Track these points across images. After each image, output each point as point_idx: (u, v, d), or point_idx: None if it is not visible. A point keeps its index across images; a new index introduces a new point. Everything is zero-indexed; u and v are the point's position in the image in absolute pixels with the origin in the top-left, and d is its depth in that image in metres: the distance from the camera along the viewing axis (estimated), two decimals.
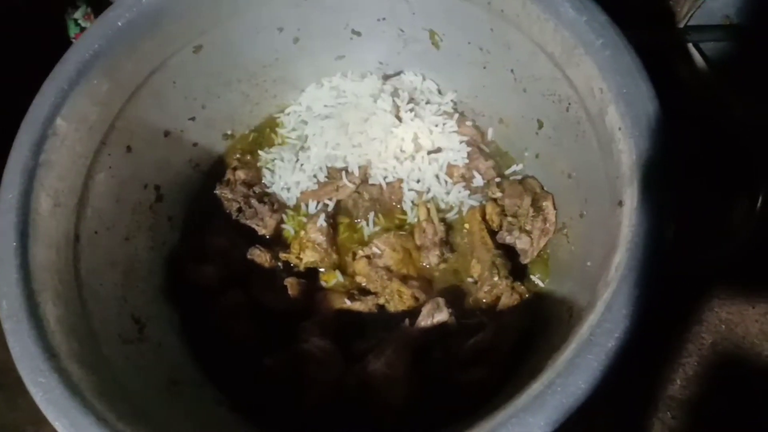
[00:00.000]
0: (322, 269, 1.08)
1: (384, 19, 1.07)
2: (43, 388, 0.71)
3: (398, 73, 1.13)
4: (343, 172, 1.10)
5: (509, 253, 1.03)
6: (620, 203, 0.75)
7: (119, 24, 0.91)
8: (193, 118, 1.09)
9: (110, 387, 0.77)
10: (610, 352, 0.65)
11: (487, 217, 1.05)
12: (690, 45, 1.14)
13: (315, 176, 1.10)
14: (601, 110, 0.80)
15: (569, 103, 0.90)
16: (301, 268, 1.07)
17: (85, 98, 0.89)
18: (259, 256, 1.06)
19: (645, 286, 0.67)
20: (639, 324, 0.66)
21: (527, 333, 0.96)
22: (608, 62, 0.79)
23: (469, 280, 1.04)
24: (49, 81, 0.88)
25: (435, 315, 0.96)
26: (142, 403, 0.79)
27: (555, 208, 1.02)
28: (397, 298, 1.01)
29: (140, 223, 1.02)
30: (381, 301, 1.02)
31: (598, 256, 0.79)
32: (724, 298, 1.01)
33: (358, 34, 1.10)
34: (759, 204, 1.00)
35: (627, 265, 0.69)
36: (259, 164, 1.15)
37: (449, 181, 1.09)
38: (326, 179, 1.11)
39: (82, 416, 0.70)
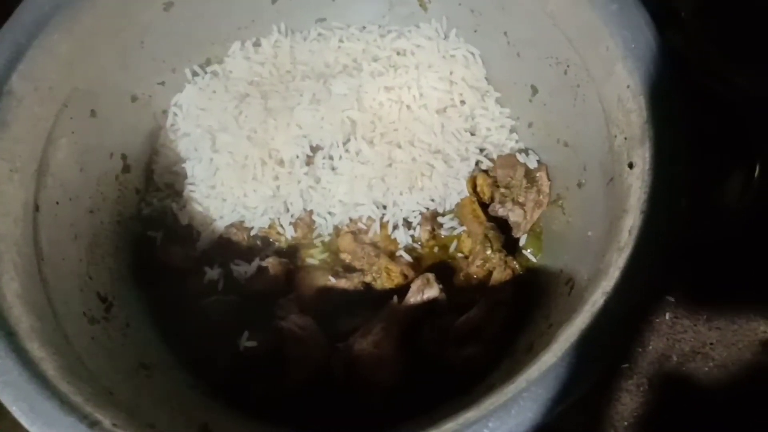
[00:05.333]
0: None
1: None
2: None
3: (383, 37, 1.06)
4: None
5: (501, 227, 0.99)
6: (630, 165, 0.70)
7: None
8: (162, 83, 1.01)
9: (75, 368, 0.69)
10: (627, 319, 0.61)
11: (479, 189, 1.00)
12: (683, 13, 1.10)
13: None
14: (607, 69, 0.76)
15: (568, 66, 0.86)
16: (283, 245, 1.01)
17: (44, 55, 0.82)
18: (236, 234, 0.99)
19: (663, 250, 0.63)
20: (656, 290, 0.62)
21: (521, 309, 0.91)
22: (615, 17, 0.74)
23: (460, 255, 0.99)
24: (3, 34, 0.80)
25: (425, 291, 0.91)
26: (111, 386, 0.72)
27: (549, 179, 0.97)
28: (384, 275, 0.96)
29: (106, 194, 0.95)
30: (368, 278, 0.96)
31: (603, 224, 0.75)
32: (721, 271, 0.98)
33: None
34: (756, 174, 0.97)
35: (642, 228, 0.64)
36: None
37: None
38: None
39: (45, 400, 0.63)
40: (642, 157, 0.69)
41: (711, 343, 0.96)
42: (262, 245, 1.00)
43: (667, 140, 0.67)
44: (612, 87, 0.75)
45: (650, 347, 0.96)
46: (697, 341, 0.97)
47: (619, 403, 0.93)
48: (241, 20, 1.04)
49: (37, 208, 0.81)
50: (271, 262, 0.96)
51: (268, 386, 0.87)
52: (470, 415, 0.60)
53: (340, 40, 1.05)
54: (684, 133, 0.68)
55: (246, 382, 0.88)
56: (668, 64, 0.72)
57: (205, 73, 1.05)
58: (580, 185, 0.89)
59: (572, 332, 0.62)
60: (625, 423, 0.92)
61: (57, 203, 0.84)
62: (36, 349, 0.67)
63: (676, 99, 0.70)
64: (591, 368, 0.60)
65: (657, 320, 0.96)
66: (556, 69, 0.88)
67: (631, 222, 0.66)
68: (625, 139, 0.73)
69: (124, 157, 0.98)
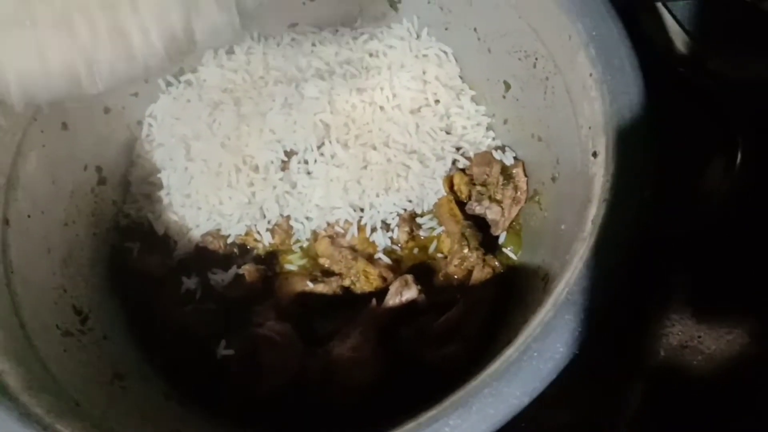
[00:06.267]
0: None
1: None
2: None
3: (355, 39, 1.06)
4: None
5: (480, 226, 0.97)
6: (594, 154, 0.69)
7: None
8: (135, 94, 1.01)
9: (40, 380, 0.69)
10: (590, 310, 0.59)
11: (456, 187, 0.99)
12: (659, 4, 1.09)
13: None
14: (571, 58, 0.75)
15: (536, 59, 0.85)
16: (261, 252, 1.00)
17: None
18: (212, 242, 0.99)
19: (626, 239, 0.61)
20: (621, 281, 0.60)
21: (501, 307, 0.90)
22: (576, 5, 0.73)
23: (439, 255, 0.98)
24: None
25: (404, 293, 0.90)
26: (80, 397, 0.71)
27: (526, 175, 0.96)
28: (363, 278, 0.95)
29: (81, 207, 0.94)
30: (346, 282, 0.95)
31: (572, 216, 0.73)
32: (706, 262, 0.96)
33: None
34: (738, 163, 0.95)
35: (605, 217, 0.63)
36: None
37: None
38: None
39: (3, 411, 0.62)
40: (604, 145, 0.67)
41: (699, 336, 0.94)
42: (240, 253, 0.99)
43: (630, 127, 0.66)
44: (576, 76, 0.74)
45: (636, 342, 0.94)
46: (684, 334, 0.94)
47: (605, 399, 0.91)
48: None
49: (6, 222, 0.80)
50: (247, 269, 0.95)
51: (245, 394, 0.86)
52: (432, 413, 0.59)
53: (313, 44, 1.05)
54: (648, 120, 0.67)
55: (223, 390, 0.87)
56: (631, 50, 0.71)
57: (179, 82, 1.04)
58: (554, 179, 0.87)
59: (534, 326, 0.61)
60: (612, 419, 0.90)
61: (28, 217, 0.84)
62: None
63: (639, 86, 0.68)
64: (554, 362, 0.58)
65: (641, 314, 0.95)
66: (526, 62, 0.87)
67: (594, 211, 0.65)
68: (590, 128, 0.71)
69: (99, 169, 0.98)
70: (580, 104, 0.74)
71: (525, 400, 0.57)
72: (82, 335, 0.85)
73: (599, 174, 0.67)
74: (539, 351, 0.58)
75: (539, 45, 0.82)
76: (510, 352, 0.60)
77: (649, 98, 0.67)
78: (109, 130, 0.99)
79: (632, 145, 0.65)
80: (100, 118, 0.97)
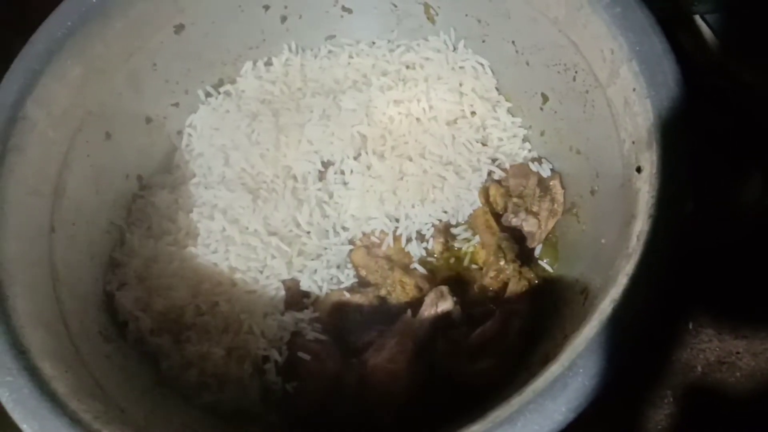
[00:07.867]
0: None
1: None
2: (10, 388, 0.65)
3: (392, 52, 1.07)
4: None
5: (516, 238, 0.97)
6: (638, 169, 0.69)
7: (93, 1, 0.85)
8: (176, 104, 1.03)
9: (87, 386, 0.71)
10: (636, 327, 0.59)
11: (491, 199, 0.99)
12: (696, 17, 1.08)
13: None
14: (612, 73, 0.75)
15: (576, 72, 0.85)
16: None
17: (56, 81, 0.84)
18: None
19: (671, 256, 0.61)
20: (665, 298, 0.60)
21: (537, 320, 0.89)
22: (618, 19, 0.73)
23: (474, 266, 0.98)
24: (18, 61, 0.83)
25: (439, 304, 0.90)
26: (124, 403, 0.73)
27: (563, 188, 0.96)
28: (399, 288, 0.95)
29: (122, 215, 0.96)
30: (382, 292, 0.95)
31: (614, 230, 0.73)
32: (745, 277, 0.95)
33: (349, 11, 1.05)
34: None
35: (651, 233, 0.62)
36: None
37: None
38: None
39: (54, 417, 0.63)
40: (649, 160, 0.67)
41: (737, 353, 0.93)
42: None
43: (674, 143, 0.66)
44: (618, 91, 0.74)
45: (673, 357, 0.93)
46: (722, 351, 0.93)
47: (641, 416, 0.90)
48: (251, 40, 1.05)
49: (52, 230, 0.83)
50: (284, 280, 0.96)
51: (283, 402, 0.87)
52: (476, 428, 0.59)
53: (350, 56, 1.06)
54: (691, 135, 0.66)
55: (261, 398, 0.88)
56: (675, 65, 0.70)
57: (218, 93, 1.06)
58: (593, 192, 0.87)
59: (580, 342, 0.61)
60: None
61: (73, 225, 0.86)
62: (48, 368, 0.68)
63: (683, 101, 0.68)
64: (599, 378, 0.58)
65: (679, 329, 0.94)
66: (565, 75, 0.87)
67: (640, 227, 0.65)
68: (633, 143, 0.71)
69: (139, 178, 1.00)
70: (622, 118, 0.74)
71: (570, 416, 0.57)
72: (123, 341, 0.87)
73: (644, 189, 0.67)
74: (585, 367, 0.58)
75: (579, 59, 0.82)
76: (555, 368, 0.60)
77: (693, 113, 0.67)
78: (150, 140, 1.01)
79: (677, 161, 0.65)
80: (141, 128, 0.99)
